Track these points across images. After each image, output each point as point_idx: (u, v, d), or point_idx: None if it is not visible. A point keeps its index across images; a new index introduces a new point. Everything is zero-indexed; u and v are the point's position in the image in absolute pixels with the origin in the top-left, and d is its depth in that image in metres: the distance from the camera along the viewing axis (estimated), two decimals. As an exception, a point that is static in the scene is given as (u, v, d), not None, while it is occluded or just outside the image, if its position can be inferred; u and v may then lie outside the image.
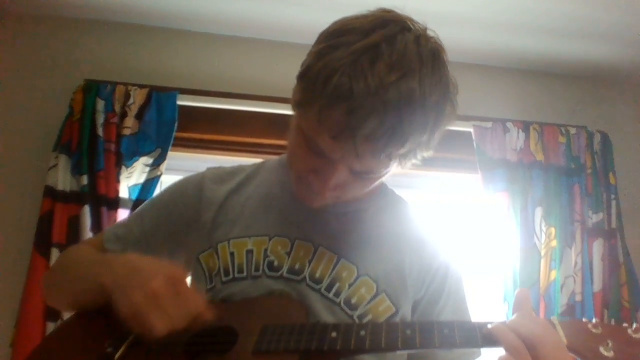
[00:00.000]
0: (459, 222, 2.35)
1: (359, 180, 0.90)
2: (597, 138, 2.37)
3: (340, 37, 0.82)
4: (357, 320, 0.93)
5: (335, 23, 0.87)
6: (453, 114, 0.87)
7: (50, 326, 1.85)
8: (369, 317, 0.94)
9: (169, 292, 0.82)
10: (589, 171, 2.32)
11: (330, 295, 0.94)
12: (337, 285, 0.94)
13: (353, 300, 0.94)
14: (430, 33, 0.85)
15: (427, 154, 0.89)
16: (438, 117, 0.83)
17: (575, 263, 2.18)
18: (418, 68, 0.79)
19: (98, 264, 0.96)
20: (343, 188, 0.90)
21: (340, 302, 0.94)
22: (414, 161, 0.89)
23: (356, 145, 0.79)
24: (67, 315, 1.07)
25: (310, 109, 0.82)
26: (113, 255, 1.01)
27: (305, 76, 0.84)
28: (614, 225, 2.28)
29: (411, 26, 0.84)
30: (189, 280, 0.90)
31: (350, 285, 0.95)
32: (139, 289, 0.82)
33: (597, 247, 2.23)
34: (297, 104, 0.88)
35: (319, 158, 0.87)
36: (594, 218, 2.27)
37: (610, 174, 2.34)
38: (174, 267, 0.87)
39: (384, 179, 0.94)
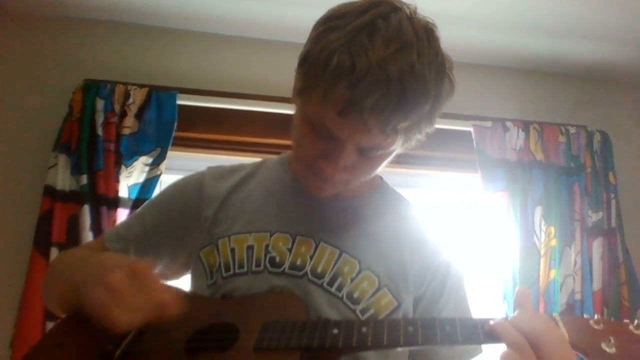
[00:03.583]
0: (459, 222, 2.35)
1: (367, 160, 0.91)
2: (597, 137, 2.37)
3: (335, 20, 0.84)
4: (359, 314, 0.94)
5: (329, 10, 0.89)
6: (452, 88, 0.88)
7: (50, 326, 1.84)
8: (371, 311, 0.94)
9: (129, 284, 0.79)
10: (589, 170, 2.32)
11: (333, 289, 0.94)
12: (339, 279, 0.95)
13: (355, 295, 0.94)
14: (420, 14, 0.88)
15: (430, 129, 0.90)
16: (438, 89, 0.84)
17: (575, 262, 2.18)
18: (415, 41, 0.81)
19: (78, 264, 0.96)
20: (352, 170, 0.91)
21: (342, 296, 0.94)
22: (418, 137, 0.90)
23: (363, 117, 0.80)
24: (66, 314, 1.07)
25: (314, 92, 0.84)
26: (93, 255, 0.99)
27: (305, 62, 0.86)
28: (613, 224, 2.28)
29: (401, 6, 0.86)
30: (156, 272, 0.87)
31: (352, 280, 0.95)
32: (98, 284, 0.80)
33: (597, 246, 2.24)
34: (299, 92, 0.89)
35: (327, 141, 0.87)
36: (594, 217, 2.27)
37: (610, 174, 2.34)
38: (136, 260, 0.86)
39: (389, 159, 0.94)
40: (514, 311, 0.77)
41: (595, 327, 0.72)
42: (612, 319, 0.75)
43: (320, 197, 0.97)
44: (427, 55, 0.82)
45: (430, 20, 0.88)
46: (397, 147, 0.91)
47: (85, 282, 0.83)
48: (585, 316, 0.74)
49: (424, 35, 0.83)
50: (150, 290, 0.81)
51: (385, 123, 0.82)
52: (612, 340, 0.69)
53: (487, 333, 0.74)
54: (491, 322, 0.74)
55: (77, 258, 1.02)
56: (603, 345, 0.69)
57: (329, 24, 0.84)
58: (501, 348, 0.71)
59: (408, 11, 0.86)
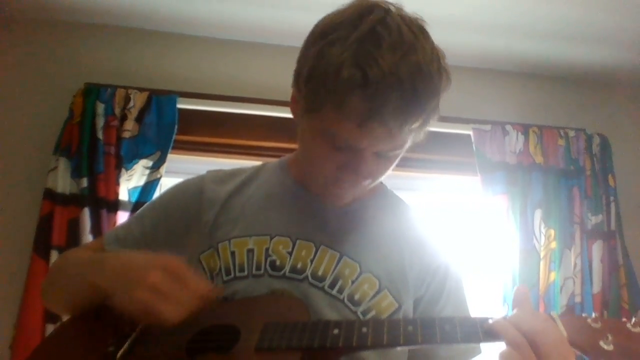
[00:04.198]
0: (459, 225, 2.36)
1: (384, 161, 0.93)
2: (596, 140, 2.38)
3: (331, 34, 0.85)
4: (360, 316, 0.94)
5: (318, 25, 0.90)
6: (449, 79, 0.90)
7: (50, 328, 1.85)
8: (373, 313, 0.95)
9: (169, 280, 0.83)
10: (588, 173, 2.32)
11: (334, 292, 0.95)
12: (340, 282, 0.95)
13: (356, 297, 0.95)
14: (406, 11, 0.90)
15: (433, 120, 0.92)
16: (442, 83, 0.87)
17: (575, 265, 2.18)
18: (415, 41, 0.84)
19: (90, 264, 0.97)
20: (374, 173, 0.93)
21: (343, 298, 0.94)
22: (425, 130, 0.92)
23: (384, 125, 0.83)
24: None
25: (326, 108, 0.85)
26: (105, 254, 1.01)
27: (311, 80, 0.86)
28: (613, 227, 2.28)
29: (390, 7, 0.88)
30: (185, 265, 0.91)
31: (353, 282, 0.96)
32: (139, 285, 0.82)
33: (597, 249, 2.24)
34: (307, 110, 0.90)
35: (345, 152, 0.89)
36: (594, 220, 2.28)
37: (610, 176, 2.34)
38: (166, 256, 0.88)
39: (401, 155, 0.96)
40: (512, 310, 0.77)
41: (593, 325, 0.72)
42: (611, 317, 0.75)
43: (339, 205, 1.00)
44: (428, 52, 0.84)
45: (418, 16, 0.90)
46: (409, 143, 0.93)
47: (116, 285, 0.86)
48: (583, 315, 0.74)
49: (420, 33, 0.86)
50: (188, 281, 0.85)
51: (404, 126, 0.84)
52: (610, 338, 0.70)
53: (486, 332, 0.74)
54: (490, 321, 0.75)
55: (86, 259, 1.03)
56: (601, 343, 0.69)
57: (327, 38, 0.85)
58: (501, 347, 0.71)
59: (395, 9, 0.88)
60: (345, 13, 0.87)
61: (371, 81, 0.80)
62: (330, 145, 0.89)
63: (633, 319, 0.72)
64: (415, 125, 0.86)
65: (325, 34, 0.86)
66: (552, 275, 2.16)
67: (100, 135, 2.03)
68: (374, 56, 0.80)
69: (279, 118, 2.12)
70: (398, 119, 0.83)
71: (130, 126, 2.07)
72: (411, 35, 0.84)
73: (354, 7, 0.88)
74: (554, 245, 2.20)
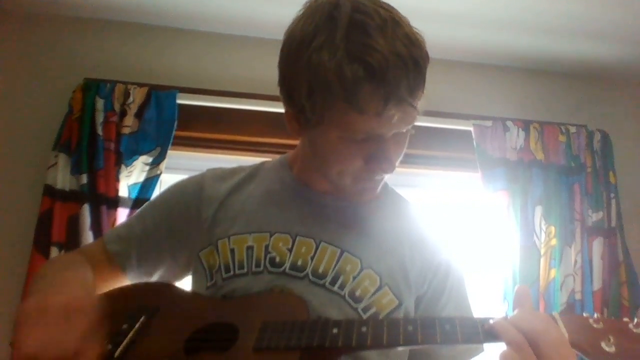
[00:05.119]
0: (459, 221, 2.35)
1: (403, 139, 0.93)
2: (597, 137, 2.37)
3: (312, 41, 0.84)
4: (361, 313, 0.93)
5: (291, 39, 0.90)
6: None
7: (50, 325, 1.84)
8: (373, 309, 0.94)
9: (59, 315, 0.78)
10: (589, 170, 2.32)
11: (335, 288, 0.94)
12: (341, 278, 0.95)
13: (357, 293, 0.94)
14: None
15: None
16: (424, 40, 0.87)
17: (575, 262, 2.18)
18: (390, 15, 0.84)
19: (48, 277, 0.97)
20: (399, 154, 0.94)
21: (345, 294, 0.94)
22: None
23: (402, 104, 0.83)
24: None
25: (339, 114, 0.85)
26: (55, 278, 0.96)
27: (313, 92, 0.86)
28: (613, 224, 2.28)
29: None
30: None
31: (354, 278, 0.95)
32: (34, 301, 0.81)
33: (597, 246, 2.23)
34: (317, 124, 0.89)
35: (367, 144, 0.89)
36: (594, 217, 2.27)
37: (610, 173, 2.33)
38: (86, 298, 0.84)
39: None
40: (513, 310, 0.77)
41: (595, 325, 0.72)
42: (612, 318, 0.75)
43: (369, 197, 1.00)
44: (405, 20, 0.86)
45: None
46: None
47: (29, 295, 0.84)
48: (584, 315, 0.74)
49: (389, 6, 0.87)
50: (71, 332, 0.77)
51: (416, 98, 0.85)
52: (612, 339, 0.69)
53: (486, 332, 0.74)
54: (491, 321, 0.74)
55: (52, 269, 1.03)
56: (603, 344, 0.69)
57: (310, 47, 0.84)
58: (501, 347, 0.71)
59: None
60: (313, 17, 0.86)
61: (376, 69, 0.79)
62: (351, 145, 0.89)
63: (635, 320, 0.71)
64: (422, 91, 0.86)
65: (305, 44, 0.85)
66: (553, 272, 2.16)
67: (99, 131, 2.02)
68: (368, 44, 0.80)
69: (280, 114, 2.09)
70: (411, 93, 0.83)
71: (129, 122, 2.06)
72: (385, 11, 0.84)
73: (316, 9, 0.87)
74: (554, 242, 2.19)
